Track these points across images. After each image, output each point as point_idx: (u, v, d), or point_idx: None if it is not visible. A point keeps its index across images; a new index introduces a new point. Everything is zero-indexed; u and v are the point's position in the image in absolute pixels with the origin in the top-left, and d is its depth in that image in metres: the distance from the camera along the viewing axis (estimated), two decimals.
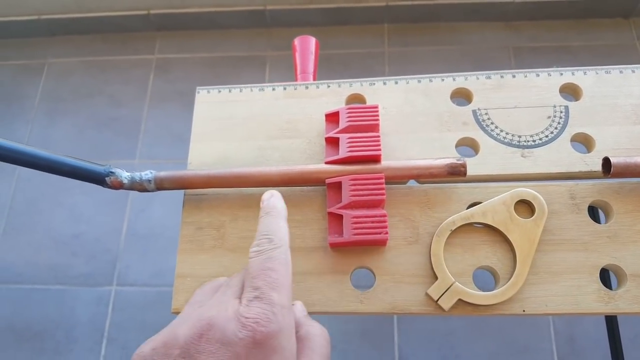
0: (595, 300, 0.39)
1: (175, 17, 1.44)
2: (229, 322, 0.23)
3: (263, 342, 0.23)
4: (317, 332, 0.28)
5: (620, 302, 0.38)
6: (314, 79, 0.57)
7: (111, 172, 0.40)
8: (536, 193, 0.41)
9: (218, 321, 0.23)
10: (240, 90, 0.49)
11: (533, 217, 0.40)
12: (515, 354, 1.04)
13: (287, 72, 1.38)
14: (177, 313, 0.40)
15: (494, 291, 0.38)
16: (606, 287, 0.39)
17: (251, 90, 0.49)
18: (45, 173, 0.40)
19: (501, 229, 0.40)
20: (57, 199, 1.24)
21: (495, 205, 0.41)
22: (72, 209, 1.23)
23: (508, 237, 0.40)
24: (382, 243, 0.40)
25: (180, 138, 1.30)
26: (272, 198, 0.31)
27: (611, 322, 0.71)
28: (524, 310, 0.39)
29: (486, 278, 0.42)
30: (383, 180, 0.40)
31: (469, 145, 0.45)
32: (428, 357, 1.03)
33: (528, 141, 0.44)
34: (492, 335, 1.04)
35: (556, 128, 0.45)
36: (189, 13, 1.43)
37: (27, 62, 1.45)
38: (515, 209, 0.41)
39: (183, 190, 0.44)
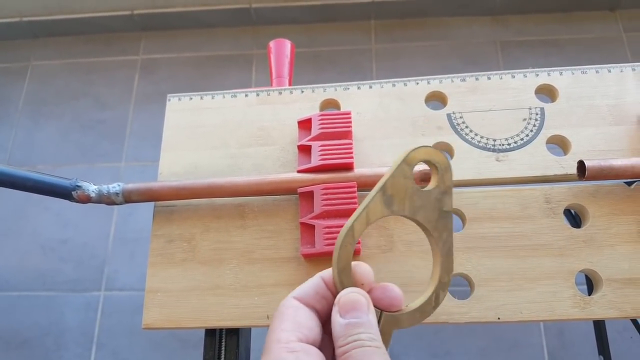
0: (571, 306, 0.38)
1: (160, 17, 1.42)
2: None
3: None
4: None
5: (595, 307, 0.38)
6: (290, 84, 0.56)
7: (78, 185, 0.39)
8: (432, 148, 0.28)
9: None
10: (212, 97, 0.48)
11: (435, 182, 0.28)
12: (506, 349, 1.04)
13: None
14: (149, 329, 0.39)
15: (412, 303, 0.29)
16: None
17: (223, 97, 0.48)
18: None
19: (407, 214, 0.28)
20: (44, 203, 1.22)
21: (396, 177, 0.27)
22: (59, 213, 1.21)
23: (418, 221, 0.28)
24: (354, 254, 0.39)
25: None
26: None
27: None
28: (499, 318, 0.38)
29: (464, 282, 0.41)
30: (355, 190, 0.40)
31: (443, 150, 0.45)
32: (418, 353, 1.03)
33: (503, 145, 0.44)
34: (482, 331, 1.04)
35: (532, 131, 0.44)
36: (174, 12, 1.41)
37: (9, 65, 1.43)
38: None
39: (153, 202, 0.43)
